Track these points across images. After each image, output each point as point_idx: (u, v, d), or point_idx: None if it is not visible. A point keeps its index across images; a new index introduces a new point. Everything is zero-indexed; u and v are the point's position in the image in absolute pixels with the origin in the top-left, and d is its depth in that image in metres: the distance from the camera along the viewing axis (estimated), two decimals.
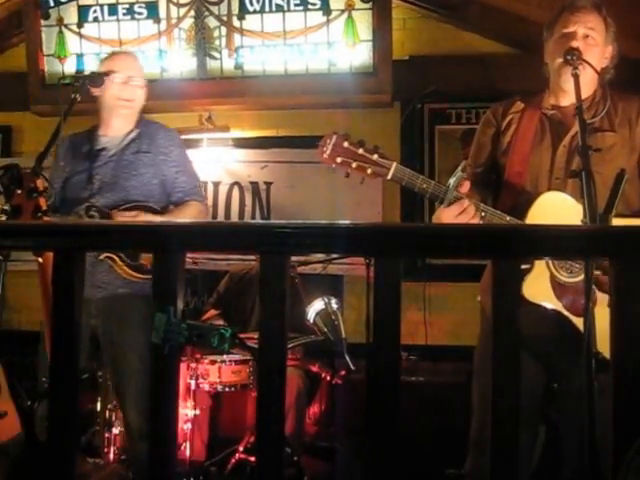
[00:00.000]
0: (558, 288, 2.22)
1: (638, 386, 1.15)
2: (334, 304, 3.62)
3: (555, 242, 1.21)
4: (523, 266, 2.23)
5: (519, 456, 1.20)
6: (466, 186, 2.18)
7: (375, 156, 2.15)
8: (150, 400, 1.33)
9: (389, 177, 2.16)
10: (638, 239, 1.19)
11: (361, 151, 2.15)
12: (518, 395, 1.18)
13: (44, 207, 2.20)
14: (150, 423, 1.33)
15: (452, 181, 2.17)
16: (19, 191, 2.16)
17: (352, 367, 3.58)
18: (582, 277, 2.12)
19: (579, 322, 2.10)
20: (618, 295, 1.17)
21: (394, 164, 2.16)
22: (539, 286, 2.20)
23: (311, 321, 3.57)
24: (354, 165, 2.15)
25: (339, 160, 2.16)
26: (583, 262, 2.08)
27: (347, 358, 3.54)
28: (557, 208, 2.24)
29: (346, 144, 2.15)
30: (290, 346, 3.62)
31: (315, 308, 3.58)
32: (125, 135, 3.07)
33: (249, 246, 1.38)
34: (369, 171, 2.16)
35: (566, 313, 2.21)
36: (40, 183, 2.21)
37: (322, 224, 1.29)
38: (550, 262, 2.21)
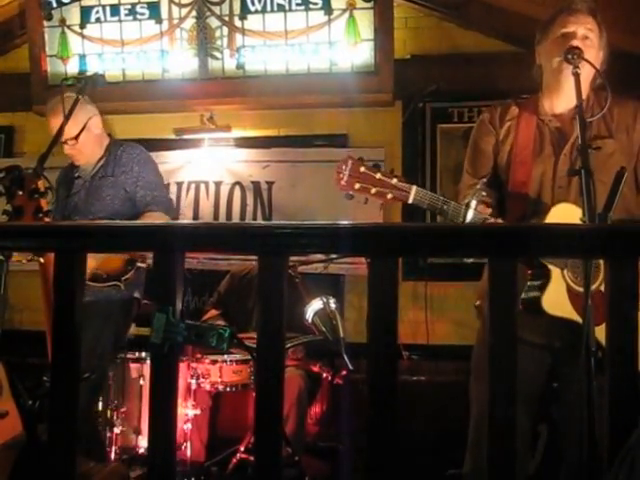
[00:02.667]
0: (575, 298, 2.20)
1: (632, 384, 1.16)
2: (332, 304, 3.60)
3: (551, 241, 1.21)
4: (538, 281, 2.23)
5: (516, 453, 1.21)
6: (488, 210, 2.18)
7: (394, 180, 2.12)
8: (150, 399, 1.34)
9: (410, 201, 2.14)
10: (632, 239, 1.20)
11: (379, 176, 2.12)
12: (514, 396, 1.19)
13: (45, 208, 2.21)
14: (150, 422, 1.34)
15: (472, 201, 2.15)
16: (20, 192, 2.17)
17: (350, 367, 3.57)
18: (596, 285, 2.11)
19: (597, 331, 2.08)
20: (613, 294, 1.17)
21: (414, 188, 2.13)
22: (557, 298, 2.20)
23: (309, 321, 3.56)
24: (373, 191, 2.12)
25: (357, 186, 2.12)
26: (594, 268, 2.07)
27: (345, 358, 3.53)
28: (569, 219, 2.22)
29: (363, 169, 2.12)
30: (288, 346, 3.61)
31: (313, 308, 3.56)
32: (96, 163, 3.42)
33: (247, 247, 1.39)
34: (389, 196, 2.13)
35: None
36: (41, 184, 2.22)
37: (320, 224, 1.29)
38: (564, 273, 2.20)
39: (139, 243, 1.43)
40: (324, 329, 3.50)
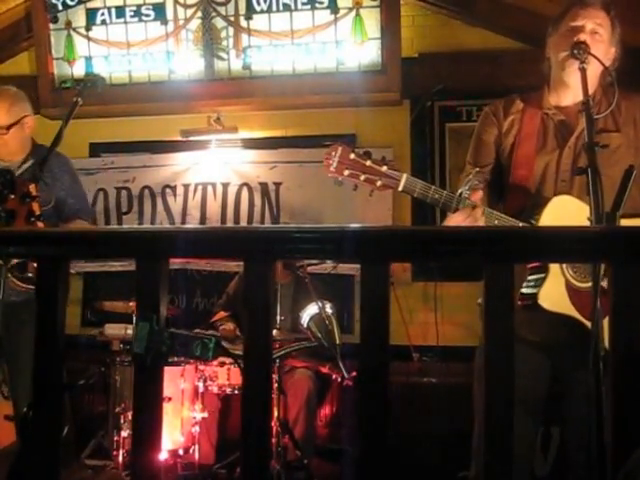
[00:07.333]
0: (574, 294, 2.17)
1: (637, 387, 1.12)
2: (328, 309, 3.55)
3: (547, 245, 1.17)
4: (537, 275, 2.19)
5: (512, 459, 1.16)
6: (478, 195, 2.14)
7: (384, 168, 2.11)
8: (133, 409, 1.30)
9: (400, 189, 2.12)
10: (636, 241, 1.15)
11: (369, 163, 2.11)
12: (512, 403, 1.14)
13: (38, 212, 2.18)
14: (133, 432, 1.30)
15: (465, 189, 2.13)
16: (12, 196, 2.15)
17: (345, 374, 3.53)
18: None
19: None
20: (617, 298, 1.12)
21: (404, 175, 2.12)
22: (555, 293, 2.17)
23: (305, 326, 3.52)
24: (362, 178, 2.11)
25: (346, 173, 2.11)
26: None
27: (340, 364, 3.49)
28: (569, 212, 2.19)
29: (353, 156, 2.11)
30: (280, 354, 3.57)
31: (309, 312, 3.52)
32: (20, 163, 3.29)
33: (233, 252, 1.35)
34: (379, 183, 2.11)
35: (582, 319, 2.16)
36: (33, 188, 2.19)
37: (306, 228, 1.25)
38: (565, 268, 2.17)
39: (123, 249, 1.39)
40: (319, 335, 3.45)
